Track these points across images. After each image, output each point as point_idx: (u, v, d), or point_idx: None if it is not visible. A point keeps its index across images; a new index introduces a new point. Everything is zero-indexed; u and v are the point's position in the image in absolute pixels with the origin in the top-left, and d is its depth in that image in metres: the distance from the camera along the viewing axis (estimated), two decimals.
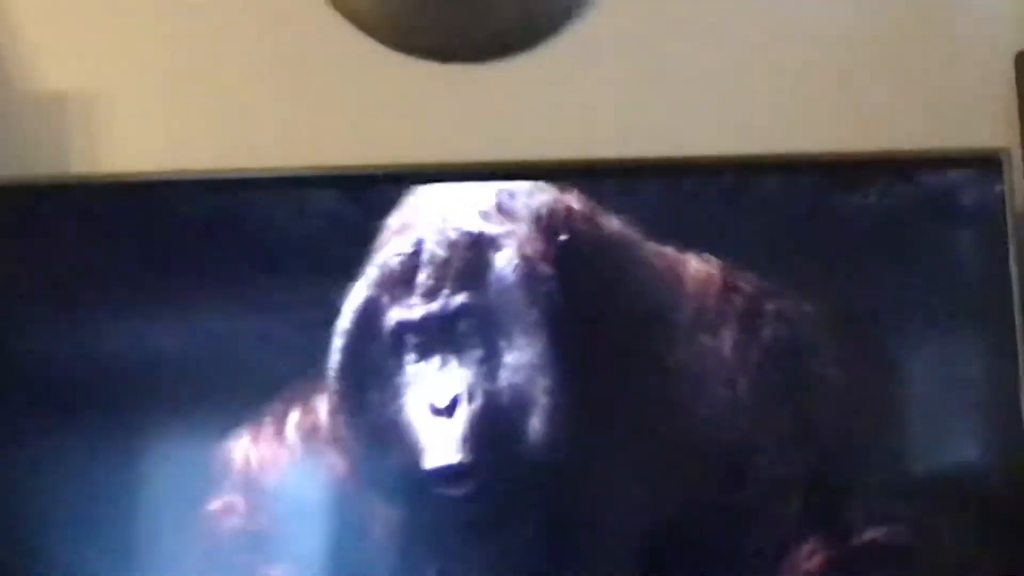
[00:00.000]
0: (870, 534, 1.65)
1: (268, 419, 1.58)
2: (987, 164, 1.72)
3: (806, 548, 1.60)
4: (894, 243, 1.72)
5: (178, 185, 1.73)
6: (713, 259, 1.64)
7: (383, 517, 1.56)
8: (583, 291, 1.57)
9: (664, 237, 1.65)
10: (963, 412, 1.70)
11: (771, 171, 1.75)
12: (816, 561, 1.62)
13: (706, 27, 1.84)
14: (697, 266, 1.62)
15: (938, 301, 1.71)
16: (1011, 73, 1.81)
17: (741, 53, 1.84)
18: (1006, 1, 1.84)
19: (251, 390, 1.62)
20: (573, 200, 1.61)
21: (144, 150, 1.78)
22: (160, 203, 1.72)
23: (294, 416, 1.59)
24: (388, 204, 1.68)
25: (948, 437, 1.69)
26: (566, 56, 1.82)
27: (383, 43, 1.81)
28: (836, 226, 1.72)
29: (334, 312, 1.61)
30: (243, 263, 1.69)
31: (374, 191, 1.70)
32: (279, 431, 1.59)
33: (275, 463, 1.57)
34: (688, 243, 1.65)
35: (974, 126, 1.81)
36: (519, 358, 1.52)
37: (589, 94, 1.82)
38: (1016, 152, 1.77)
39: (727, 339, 1.61)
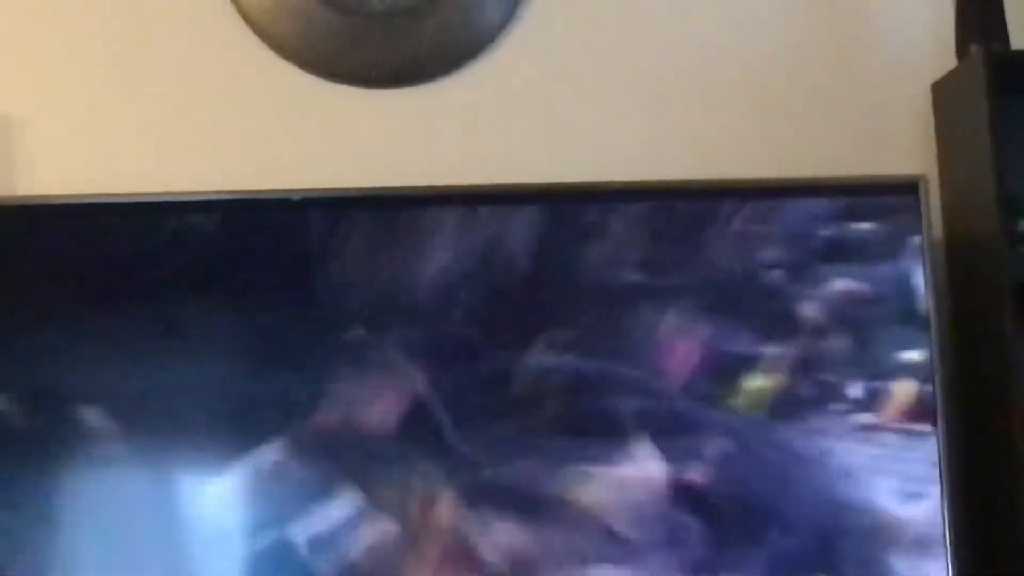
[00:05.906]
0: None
1: None
2: (905, 190, 1.74)
3: None
4: (815, 267, 1.73)
5: (97, 207, 1.72)
6: None
7: None
8: None
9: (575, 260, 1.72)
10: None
11: (690, 196, 1.76)
12: None
13: (623, 56, 1.86)
14: None
15: (856, 324, 1.72)
16: (927, 102, 1.84)
17: (659, 81, 1.85)
18: (922, 33, 1.87)
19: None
20: None
21: (62, 174, 1.77)
22: (79, 225, 1.71)
23: None
24: (312, 227, 1.69)
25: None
26: (480, 82, 1.83)
27: (304, 69, 1.82)
28: (757, 250, 1.73)
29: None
30: (161, 284, 1.69)
31: (297, 214, 1.70)
32: None
33: None
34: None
35: (892, 154, 1.83)
36: None
37: (503, 118, 1.83)
38: (933, 178, 1.79)
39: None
